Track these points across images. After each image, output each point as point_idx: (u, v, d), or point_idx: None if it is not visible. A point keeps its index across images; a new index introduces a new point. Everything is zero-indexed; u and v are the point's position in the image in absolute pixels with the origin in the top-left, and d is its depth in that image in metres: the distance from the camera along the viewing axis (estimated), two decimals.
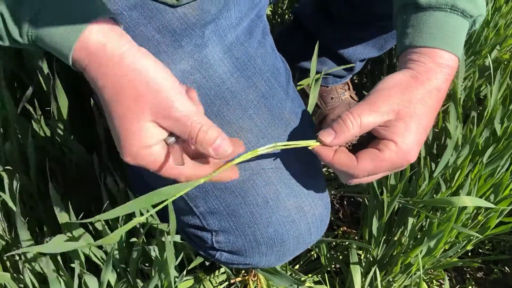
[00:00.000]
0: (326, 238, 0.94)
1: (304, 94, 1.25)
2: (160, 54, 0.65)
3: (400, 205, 0.99)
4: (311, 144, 0.60)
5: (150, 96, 0.52)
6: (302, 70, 1.24)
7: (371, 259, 1.03)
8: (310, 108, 0.82)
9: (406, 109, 0.58)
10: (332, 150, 0.61)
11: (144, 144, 0.53)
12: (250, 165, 0.67)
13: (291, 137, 0.70)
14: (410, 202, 0.94)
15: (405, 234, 0.99)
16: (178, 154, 0.54)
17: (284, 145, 0.60)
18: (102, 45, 0.52)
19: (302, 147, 0.61)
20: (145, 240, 0.81)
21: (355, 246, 1.04)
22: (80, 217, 0.72)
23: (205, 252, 0.76)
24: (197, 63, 0.66)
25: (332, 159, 0.60)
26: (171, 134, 0.55)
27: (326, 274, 1.06)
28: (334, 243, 1.13)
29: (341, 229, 1.21)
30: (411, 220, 0.98)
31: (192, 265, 0.83)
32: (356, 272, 1.01)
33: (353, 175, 0.60)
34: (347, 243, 1.10)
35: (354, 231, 1.22)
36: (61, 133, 0.86)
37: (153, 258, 0.77)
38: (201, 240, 0.74)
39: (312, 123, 0.76)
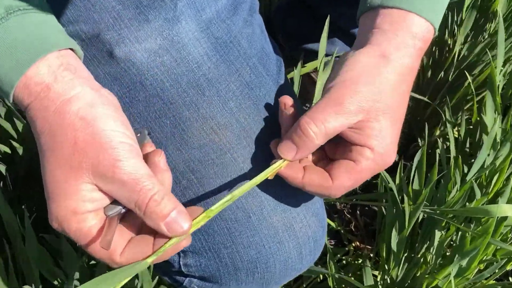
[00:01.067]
0: (335, 254, 0.92)
1: (310, 81, 1.18)
2: (121, 30, 0.59)
3: (425, 216, 0.95)
4: (275, 167, 0.57)
5: (92, 151, 0.48)
6: (306, 52, 1.17)
7: (389, 281, 0.98)
8: (316, 97, 0.78)
9: (378, 104, 0.55)
10: (301, 170, 0.57)
11: (76, 209, 0.49)
12: (228, 171, 0.62)
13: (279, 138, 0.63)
14: (438, 211, 0.90)
15: (431, 250, 0.95)
16: (110, 232, 0.49)
17: (241, 191, 0.54)
18: (46, 86, 0.49)
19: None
20: None
21: (369, 265, 1.00)
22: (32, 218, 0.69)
23: (171, 278, 0.69)
24: (167, 42, 0.60)
25: (302, 181, 0.57)
26: (114, 202, 0.51)
27: None
28: (344, 261, 1.09)
29: (353, 244, 1.17)
30: (438, 234, 0.94)
31: None
32: None
33: (330, 195, 0.57)
34: (360, 261, 1.06)
35: (369, 246, 1.17)
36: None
37: None
38: (166, 263, 0.67)
39: None
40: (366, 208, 1.22)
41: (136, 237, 0.52)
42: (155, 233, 0.52)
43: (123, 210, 0.51)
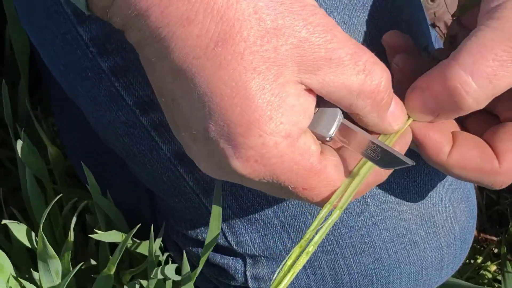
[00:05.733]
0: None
1: None
2: None
3: None
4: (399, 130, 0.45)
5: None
6: None
7: None
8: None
9: None
10: (447, 138, 0.45)
11: (292, 126, 0.39)
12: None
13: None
14: None
15: None
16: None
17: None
18: None
19: None
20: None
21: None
22: None
23: None
24: None
25: (447, 160, 0.45)
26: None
27: None
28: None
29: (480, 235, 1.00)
30: None
31: None
32: None
33: (492, 184, 0.47)
34: (491, 268, 0.87)
35: (494, 238, 0.95)
36: None
37: None
38: (221, 273, 0.58)
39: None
40: None
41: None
42: None
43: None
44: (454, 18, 0.50)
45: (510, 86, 0.42)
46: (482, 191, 1.00)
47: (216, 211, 0.47)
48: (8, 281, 0.55)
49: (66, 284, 0.51)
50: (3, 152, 0.77)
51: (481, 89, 0.42)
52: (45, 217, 0.52)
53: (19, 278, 0.55)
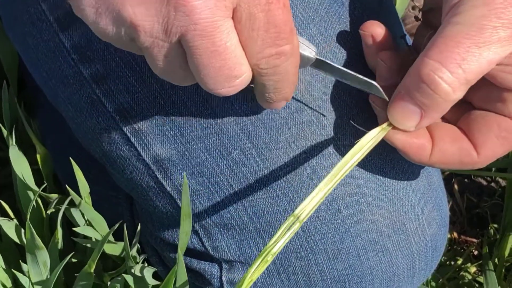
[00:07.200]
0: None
1: None
2: None
3: None
4: (377, 135, 0.46)
5: None
6: None
7: None
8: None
9: None
10: (425, 136, 0.47)
11: None
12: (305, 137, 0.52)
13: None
14: None
15: None
16: None
17: (333, 177, 0.45)
18: None
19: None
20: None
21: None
22: None
23: None
24: None
25: (430, 159, 0.47)
26: None
27: None
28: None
29: (452, 236, 0.99)
30: None
31: None
32: None
33: (473, 168, 0.49)
34: (471, 269, 0.87)
35: (474, 240, 0.96)
36: None
37: None
38: (198, 278, 0.57)
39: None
40: (466, 180, 1.04)
41: None
42: None
43: None
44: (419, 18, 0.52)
45: (482, 73, 0.44)
46: (463, 194, 1.01)
47: (186, 209, 0.48)
48: None
49: (56, 275, 0.52)
50: None
51: (453, 75, 0.43)
52: (30, 210, 0.53)
53: (10, 270, 0.56)
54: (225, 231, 0.54)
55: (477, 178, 1.03)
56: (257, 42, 0.40)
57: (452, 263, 0.92)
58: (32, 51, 0.53)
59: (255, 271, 0.42)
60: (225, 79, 0.41)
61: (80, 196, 0.53)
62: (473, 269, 0.88)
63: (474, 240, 0.97)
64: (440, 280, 0.86)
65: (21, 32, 0.54)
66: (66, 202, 0.57)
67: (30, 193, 0.59)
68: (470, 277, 0.87)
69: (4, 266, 0.57)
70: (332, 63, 0.47)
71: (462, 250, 0.95)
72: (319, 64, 0.47)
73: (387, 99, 0.46)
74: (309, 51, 0.46)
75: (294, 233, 0.44)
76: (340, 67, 0.47)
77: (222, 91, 0.41)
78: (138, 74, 0.49)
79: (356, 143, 0.45)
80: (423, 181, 0.55)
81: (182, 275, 0.51)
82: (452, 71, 0.43)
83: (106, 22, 0.40)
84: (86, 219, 0.58)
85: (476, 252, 0.95)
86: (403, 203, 0.53)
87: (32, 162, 0.66)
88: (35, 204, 0.59)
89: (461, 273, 0.91)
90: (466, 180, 1.03)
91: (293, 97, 0.49)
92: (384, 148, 0.52)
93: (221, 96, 0.42)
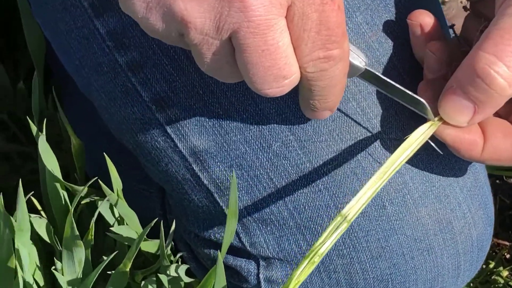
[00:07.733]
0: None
1: None
2: None
3: None
4: (427, 131, 0.45)
5: None
6: None
7: None
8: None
9: None
10: (477, 132, 0.46)
11: None
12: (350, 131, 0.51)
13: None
14: None
15: None
16: None
17: (382, 175, 0.43)
18: None
19: None
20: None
21: None
22: None
23: None
24: None
25: (481, 156, 0.46)
26: None
27: None
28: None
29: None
30: None
31: None
32: None
33: None
34: (504, 273, 0.86)
35: (506, 243, 0.95)
36: None
37: None
38: (233, 275, 0.57)
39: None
40: (498, 181, 1.02)
41: None
42: None
43: None
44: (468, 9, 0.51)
45: None
46: (495, 195, 0.98)
47: (233, 207, 0.47)
48: (34, 273, 0.55)
49: (97, 274, 0.51)
50: (13, 147, 0.77)
51: (509, 69, 0.42)
52: (74, 205, 0.53)
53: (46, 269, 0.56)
54: (264, 226, 0.53)
55: (510, 179, 1.00)
56: (307, 43, 0.40)
57: (484, 266, 0.90)
58: (64, 37, 0.52)
59: (302, 272, 0.41)
60: (273, 79, 0.41)
61: (112, 190, 0.52)
62: (505, 273, 0.86)
63: (507, 243, 0.96)
64: (472, 284, 0.85)
65: (52, 18, 0.52)
66: (106, 200, 0.56)
67: (59, 187, 0.58)
68: (502, 281, 0.85)
69: (38, 264, 0.56)
70: (381, 76, 0.46)
71: (494, 254, 0.94)
72: (367, 75, 0.46)
73: (434, 120, 0.46)
74: (359, 61, 0.45)
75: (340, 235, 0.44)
76: (390, 81, 0.46)
77: (269, 92, 0.41)
78: (176, 62, 0.48)
79: (405, 139, 0.44)
80: (470, 178, 0.53)
81: (221, 277, 0.50)
82: (508, 65, 0.42)
83: (156, 18, 0.40)
84: (117, 215, 0.57)
85: (508, 256, 0.94)
86: (450, 200, 0.52)
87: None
88: (63, 199, 0.59)
89: (493, 277, 0.90)
90: (498, 181, 1.01)
91: None
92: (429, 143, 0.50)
93: (267, 96, 0.41)
